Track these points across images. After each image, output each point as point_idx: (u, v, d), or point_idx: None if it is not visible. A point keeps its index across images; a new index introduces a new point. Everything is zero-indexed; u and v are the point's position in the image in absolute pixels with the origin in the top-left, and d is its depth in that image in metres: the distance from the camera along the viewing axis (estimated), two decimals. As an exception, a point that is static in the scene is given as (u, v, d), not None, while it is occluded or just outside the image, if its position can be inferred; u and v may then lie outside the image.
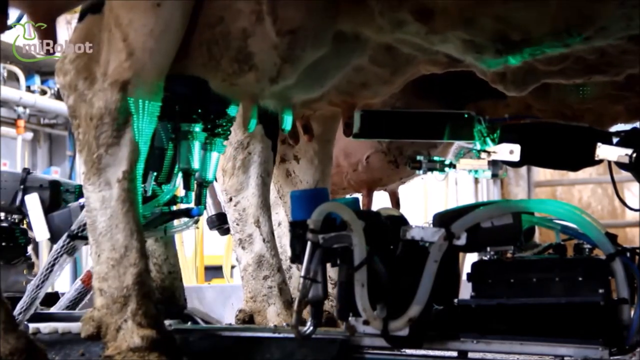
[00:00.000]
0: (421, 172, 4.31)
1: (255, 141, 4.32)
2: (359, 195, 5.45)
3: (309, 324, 3.10)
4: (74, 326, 3.43)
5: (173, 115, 3.43)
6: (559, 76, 3.85)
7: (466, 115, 4.14)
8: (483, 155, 4.15)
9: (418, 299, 2.97)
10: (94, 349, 3.23)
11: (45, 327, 3.58)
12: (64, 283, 9.61)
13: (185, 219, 3.82)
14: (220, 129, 3.52)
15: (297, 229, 3.12)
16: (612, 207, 14.02)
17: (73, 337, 3.41)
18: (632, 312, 2.89)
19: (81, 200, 4.23)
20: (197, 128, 3.47)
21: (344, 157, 5.42)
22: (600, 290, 2.89)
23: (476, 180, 15.11)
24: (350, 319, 3.09)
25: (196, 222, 4.06)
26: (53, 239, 4.19)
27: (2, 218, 4.37)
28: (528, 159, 4.21)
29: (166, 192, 3.48)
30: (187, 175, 3.55)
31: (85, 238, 3.81)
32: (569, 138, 4.26)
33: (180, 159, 3.52)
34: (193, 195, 3.69)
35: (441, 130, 4.16)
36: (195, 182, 3.62)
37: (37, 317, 3.91)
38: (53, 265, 3.82)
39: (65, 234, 3.82)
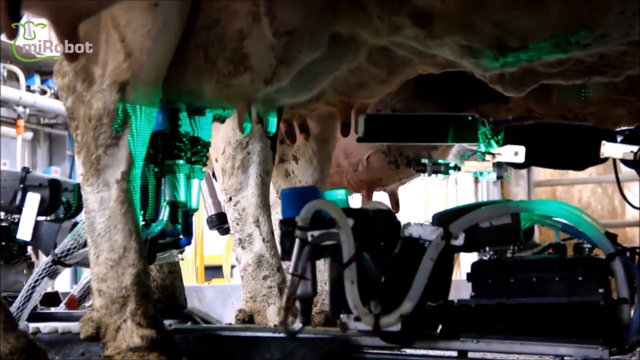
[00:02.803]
0: (426, 174, 4.30)
1: (254, 141, 4.31)
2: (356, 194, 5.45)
3: (297, 321, 3.11)
4: (73, 326, 3.43)
5: (156, 154, 3.41)
6: (558, 77, 3.85)
7: (470, 118, 4.13)
8: (487, 157, 4.15)
9: (411, 296, 2.98)
10: (93, 348, 3.23)
11: (45, 326, 3.58)
12: (64, 283, 9.61)
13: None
14: (197, 156, 3.51)
15: (287, 226, 3.13)
16: (612, 207, 14.03)
17: (73, 337, 3.41)
18: (632, 312, 2.89)
19: (77, 218, 4.24)
20: (181, 161, 3.46)
21: (345, 157, 5.42)
22: (600, 290, 2.89)
23: (476, 180, 15.12)
24: (342, 315, 3.10)
25: (182, 251, 4.07)
26: (31, 243, 4.20)
27: (2, 217, 4.37)
28: (533, 160, 4.20)
29: (155, 225, 3.46)
30: (174, 208, 3.52)
31: (67, 265, 3.83)
32: (573, 138, 4.25)
33: (165, 192, 3.48)
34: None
35: (445, 133, 4.15)
36: (181, 212, 3.58)
37: (37, 317, 3.91)
38: (34, 287, 3.83)
39: (50, 257, 3.83)
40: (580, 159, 4.29)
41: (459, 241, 3.00)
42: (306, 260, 3.06)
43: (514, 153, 4.09)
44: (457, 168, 4.10)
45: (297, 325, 3.12)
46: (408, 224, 3.08)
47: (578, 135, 4.25)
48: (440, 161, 4.23)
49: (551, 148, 4.25)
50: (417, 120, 4.21)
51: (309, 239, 3.05)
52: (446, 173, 4.15)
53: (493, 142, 4.08)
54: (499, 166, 4.17)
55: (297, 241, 3.06)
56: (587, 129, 4.29)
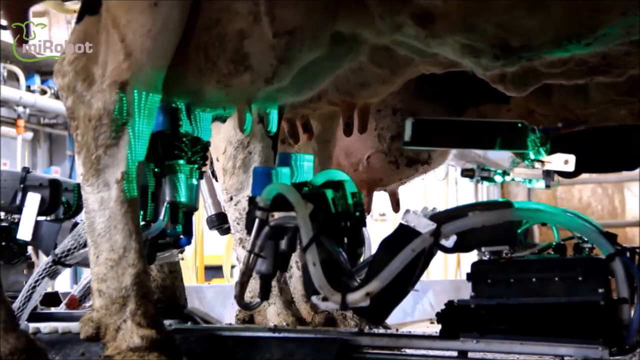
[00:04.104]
0: (473, 180, 4.26)
1: (255, 140, 4.32)
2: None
3: (255, 297, 3.21)
4: (74, 326, 3.42)
5: (157, 154, 3.40)
6: (561, 77, 3.85)
7: (519, 125, 4.08)
8: (537, 164, 4.09)
9: (381, 277, 3.01)
10: (94, 348, 3.23)
11: (45, 326, 3.58)
12: (64, 284, 9.61)
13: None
14: (196, 157, 3.52)
15: (253, 205, 3.23)
16: (612, 207, 14.02)
17: (73, 337, 3.41)
18: (632, 312, 2.89)
19: (77, 219, 4.24)
20: (182, 161, 3.47)
21: (345, 156, 5.43)
22: (600, 290, 2.89)
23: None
24: (312, 297, 3.16)
25: (182, 251, 4.09)
26: (32, 243, 4.21)
27: (2, 217, 4.37)
28: (584, 167, 4.14)
29: (155, 227, 3.45)
30: (175, 208, 3.51)
31: (67, 265, 3.84)
32: (620, 139, 4.21)
33: (166, 192, 3.47)
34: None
35: (493, 140, 4.09)
36: (182, 212, 3.58)
37: (37, 317, 3.91)
38: (34, 287, 3.83)
39: (50, 257, 3.83)
40: (632, 158, 4.24)
41: (449, 243, 3.01)
42: (264, 240, 3.16)
43: (564, 161, 4.04)
44: (505, 174, 4.06)
45: (255, 300, 3.29)
46: (407, 211, 3.11)
47: (625, 135, 4.20)
48: (487, 167, 4.19)
49: (602, 152, 4.20)
50: (465, 125, 4.15)
51: (270, 219, 3.15)
52: (492, 180, 4.11)
53: (542, 150, 4.03)
54: (547, 174, 4.11)
55: (256, 220, 3.16)
56: (633, 128, 4.23)
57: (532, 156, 4.04)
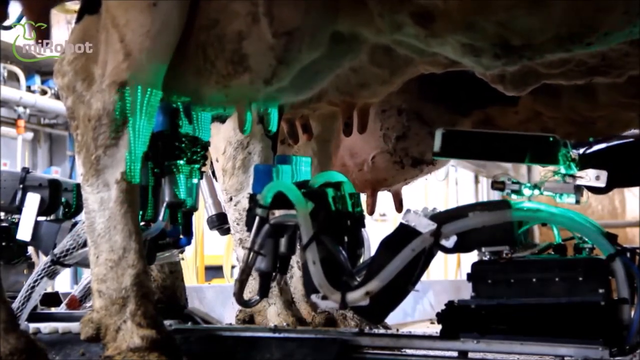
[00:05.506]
0: (504, 193, 4.24)
1: (255, 141, 4.32)
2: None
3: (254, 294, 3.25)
4: (74, 326, 3.43)
5: (156, 154, 3.38)
6: (560, 77, 3.85)
7: (551, 139, 4.07)
8: (568, 179, 4.08)
9: (380, 276, 3.01)
10: (94, 348, 3.23)
11: (45, 326, 3.58)
12: (64, 284, 9.61)
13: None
14: (196, 156, 3.52)
15: (253, 202, 3.23)
16: (612, 207, 14.02)
17: (73, 337, 3.41)
18: (633, 312, 2.89)
19: (77, 218, 4.24)
20: (181, 161, 3.46)
21: (350, 156, 5.43)
22: (601, 290, 2.89)
23: (476, 180, 15.08)
24: (312, 296, 3.16)
25: (182, 251, 4.08)
26: (31, 243, 4.21)
27: (2, 218, 4.37)
28: (616, 182, 4.12)
29: (155, 227, 3.45)
30: (174, 208, 3.49)
31: (66, 265, 3.84)
32: None
33: (166, 193, 3.45)
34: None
35: (524, 153, 4.08)
36: (182, 212, 3.57)
37: (38, 317, 3.91)
38: (33, 287, 3.83)
39: (48, 258, 3.84)
40: None
41: (449, 243, 3.01)
42: (264, 238, 3.17)
43: (596, 177, 4.03)
44: (536, 188, 4.04)
45: (254, 297, 3.33)
46: (408, 211, 3.11)
47: None
48: (515, 180, 4.18)
49: (635, 166, 4.18)
50: (495, 138, 4.14)
51: (270, 217, 3.16)
52: (521, 194, 4.09)
53: (573, 165, 4.02)
54: (577, 189, 4.10)
55: (257, 218, 3.17)
56: None
57: (563, 171, 4.02)
